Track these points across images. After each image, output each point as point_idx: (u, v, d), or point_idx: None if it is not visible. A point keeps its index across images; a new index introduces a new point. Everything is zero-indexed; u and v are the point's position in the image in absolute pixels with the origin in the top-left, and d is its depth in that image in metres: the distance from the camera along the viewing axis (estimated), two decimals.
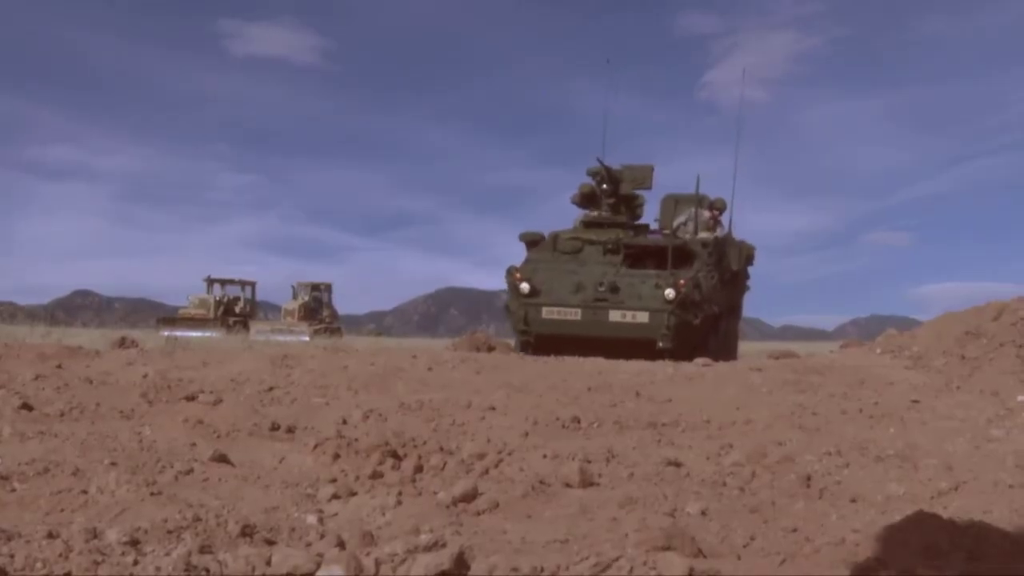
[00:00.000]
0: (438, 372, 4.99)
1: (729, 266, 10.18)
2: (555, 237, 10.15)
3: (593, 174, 10.80)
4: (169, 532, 1.77)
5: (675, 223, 10.69)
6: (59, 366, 5.00)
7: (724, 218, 11.29)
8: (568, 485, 2.57)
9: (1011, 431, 3.37)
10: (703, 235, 9.96)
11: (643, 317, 8.58)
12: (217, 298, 28.40)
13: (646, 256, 9.55)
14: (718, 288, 9.42)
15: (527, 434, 3.42)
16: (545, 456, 2.97)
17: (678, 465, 2.93)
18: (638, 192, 11.04)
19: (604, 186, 10.60)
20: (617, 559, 1.54)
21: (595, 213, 10.72)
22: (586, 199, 10.92)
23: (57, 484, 2.24)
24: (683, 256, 9.20)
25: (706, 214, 10.56)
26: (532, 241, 10.17)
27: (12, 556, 1.49)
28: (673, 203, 11.29)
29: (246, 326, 25.13)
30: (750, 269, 11.32)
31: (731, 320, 10.70)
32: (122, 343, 7.02)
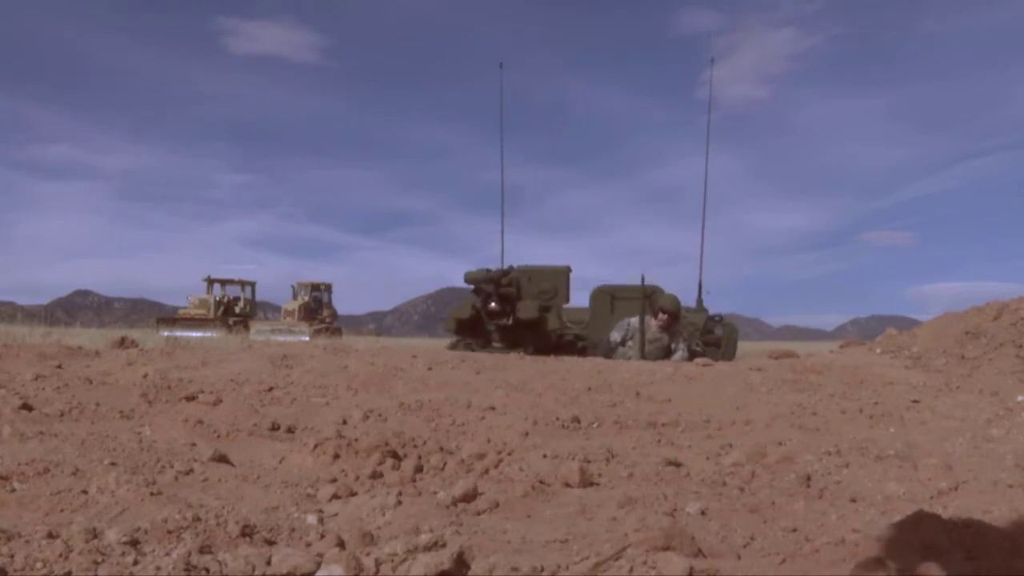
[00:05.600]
0: (438, 372, 4.99)
1: None
2: None
3: (475, 285, 7.27)
4: (169, 532, 1.76)
5: (610, 339, 7.17)
6: (59, 366, 5.00)
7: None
8: (568, 485, 2.58)
9: (1011, 431, 3.37)
10: None
11: None
12: (217, 298, 28.44)
13: None
14: None
15: (527, 434, 3.42)
16: (545, 456, 2.97)
17: (678, 465, 2.93)
18: (546, 310, 7.46)
19: (492, 305, 7.16)
20: (617, 559, 1.54)
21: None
22: (466, 328, 7.26)
23: (57, 484, 2.24)
24: None
25: (653, 325, 7.02)
26: None
27: (12, 556, 1.49)
28: (608, 300, 7.96)
29: (246, 326, 25.18)
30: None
31: None
32: (122, 343, 7.01)
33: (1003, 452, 3.00)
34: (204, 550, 1.60)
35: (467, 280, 7.36)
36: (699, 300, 8.36)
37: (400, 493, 2.34)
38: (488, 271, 7.33)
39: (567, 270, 7.95)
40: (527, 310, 7.16)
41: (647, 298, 7.18)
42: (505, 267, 7.45)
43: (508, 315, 7.07)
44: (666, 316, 6.95)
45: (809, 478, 2.74)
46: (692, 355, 6.92)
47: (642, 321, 6.98)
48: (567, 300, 7.87)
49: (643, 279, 7.24)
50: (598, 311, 8.01)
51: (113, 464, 2.53)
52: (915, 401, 4.01)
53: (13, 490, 2.20)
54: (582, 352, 7.30)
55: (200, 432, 3.26)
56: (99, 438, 3.01)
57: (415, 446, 3.02)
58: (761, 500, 2.41)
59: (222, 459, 2.81)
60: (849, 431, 3.47)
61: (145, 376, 4.71)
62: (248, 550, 1.60)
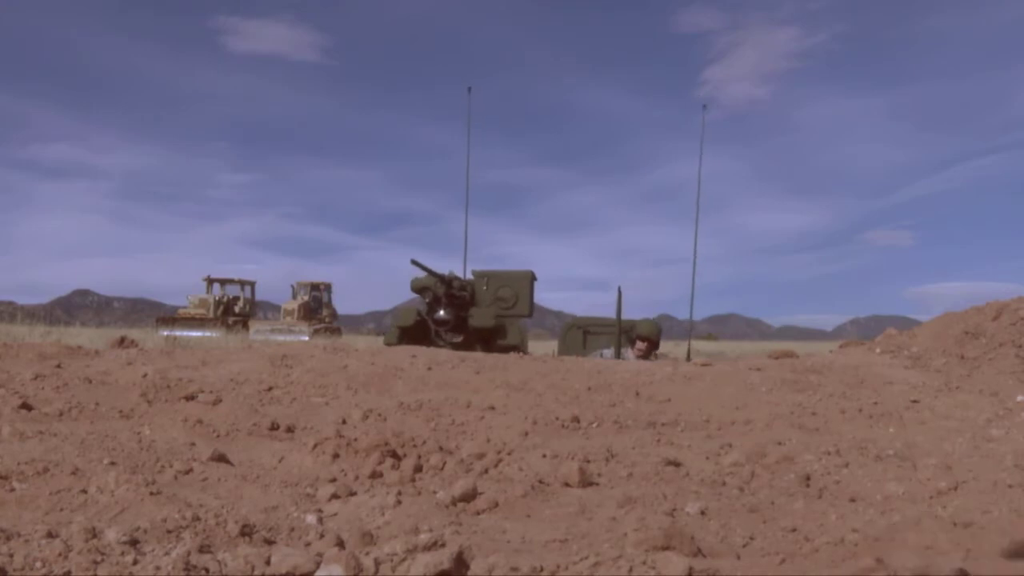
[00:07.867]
0: (438, 372, 4.99)
1: None
2: None
3: (419, 289, 6.54)
4: (168, 532, 1.76)
5: None
6: (59, 366, 4.99)
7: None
8: (567, 485, 2.58)
9: (1010, 431, 3.37)
10: None
11: None
12: (217, 298, 28.44)
13: None
14: None
15: (527, 434, 3.42)
16: (545, 456, 2.96)
17: (677, 465, 2.93)
18: (504, 319, 6.70)
19: (440, 313, 6.37)
20: (617, 559, 1.54)
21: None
22: (408, 339, 6.40)
23: (57, 484, 2.24)
24: None
25: (630, 355, 6.46)
26: None
27: (12, 556, 1.49)
28: (581, 335, 7.28)
29: (246, 326, 25.19)
30: None
31: None
32: (122, 343, 7.01)
33: (1003, 452, 3.00)
34: (203, 550, 1.60)
35: (414, 287, 6.65)
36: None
37: (400, 493, 2.34)
38: (430, 274, 6.60)
39: (530, 275, 7.22)
40: (482, 318, 6.46)
41: (624, 333, 6.53)
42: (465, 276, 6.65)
43: (459, 324, 6.21)
44: (645, 344, 6.39)
45: (809, 478, 2.74)
46: None
47: (618, 349, 6.39)
48: (529, 310, 7.14)
49: (619, 292, 6.66)
50: (570, 346, 7.39)
51: (113, 464, 2.53)
52: (915, 401, 4.01)
53: (13, 490, 2.20)
54: None
55: (200, 432, 3.26)
56: (99, 438, 3.01)
57: (415, 446, 3.02)
58: (761, 500, 2.41)
59: (222, 459, 2.81)
60: (849, 431, 3.47)
61: (145, 376, 4.71)
62: (247, 550, 1.59)
